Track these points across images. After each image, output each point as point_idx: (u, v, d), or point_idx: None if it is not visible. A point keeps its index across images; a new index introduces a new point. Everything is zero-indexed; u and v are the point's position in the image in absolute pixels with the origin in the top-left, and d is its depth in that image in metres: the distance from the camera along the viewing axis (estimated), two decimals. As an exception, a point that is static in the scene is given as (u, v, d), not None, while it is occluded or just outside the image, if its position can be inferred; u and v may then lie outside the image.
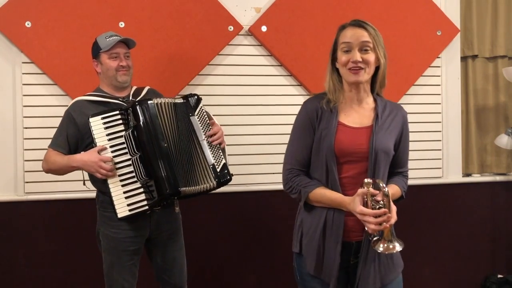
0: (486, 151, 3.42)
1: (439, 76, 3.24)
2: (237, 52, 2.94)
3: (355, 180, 1.65)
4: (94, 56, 2.25)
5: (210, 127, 2.18)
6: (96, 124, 2.05)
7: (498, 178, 3.40)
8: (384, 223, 1.49)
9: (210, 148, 2.13)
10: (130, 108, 2.05)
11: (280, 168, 2.95)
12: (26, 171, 2.69)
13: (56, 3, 2.68)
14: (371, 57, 1.65)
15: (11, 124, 2.68)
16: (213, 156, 2.12)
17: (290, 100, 3.00)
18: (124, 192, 2.05)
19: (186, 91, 2.84)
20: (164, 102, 2.10)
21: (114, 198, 2.05)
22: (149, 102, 2.06)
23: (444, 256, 3.25)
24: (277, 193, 2.97)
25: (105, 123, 2.06)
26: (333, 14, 2.99)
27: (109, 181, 2.05)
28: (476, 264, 3.34)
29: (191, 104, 2.17)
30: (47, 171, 2.20)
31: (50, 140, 2.66)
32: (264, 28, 2.93)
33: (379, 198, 1.53)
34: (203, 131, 2.14)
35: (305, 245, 1.73)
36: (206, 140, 2.13)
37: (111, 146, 2.05)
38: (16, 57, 2.68)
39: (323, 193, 1.66)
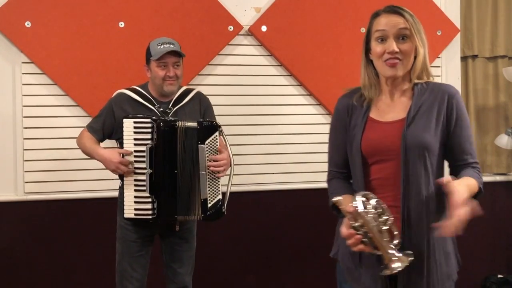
0: (486, 151, 3.42)
1: (439, 76, 3.23)
2: (237, 52, 2.94)
3: (389, 181, 1.47)
4: (146, 61, 2.26)
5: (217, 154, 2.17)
6: (128, 126, 2.11)
7: (498, 178, 3.40)
8: (361, 245, 1.33)
9: (209, 181, 2.15)
10: (156, 125, 2.09)
11: (279, 168, 2.99)
12: (26, 171, 2.69)
13: (56, 3, 2.68)
14: (408, 46, 1.45)
15: (11, 124, 2.68)
16: (209, 190, 2.14)
17: (290, 100, 3.00)
18: (135, 197, 2.11)
19: (186, 91, 2.84)
20: (186, 127, 2.12)
21: (125, 198, 2.13)
22: (173, 125, 2.10)
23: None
24: (276, 193, 2.98)
25: (135, 127, 2.11)
26: (333, 14, 2.99)
27: (125, 181, 2.13)
28: (476, 264, 3.34)
29: (204, 131, 2.15)
30: (78, 145, 2.29)
31: (49, 140, 2.69)
32: (264, 28, 2.93)
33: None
34: (207, 159, 2.14)
35: (339, 250, 1.61)
36: (207, 172, 2.14)
37: (135, 151, 2.11)
38: (16, 57, 2.68)
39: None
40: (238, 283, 2.99)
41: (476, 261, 3.34)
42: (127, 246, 2.23)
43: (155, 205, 2.10)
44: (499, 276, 3.32)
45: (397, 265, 1.30)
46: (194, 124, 2.13)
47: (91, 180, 2.72)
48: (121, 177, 2.22)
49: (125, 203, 2.12)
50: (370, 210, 1.34)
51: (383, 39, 1.47)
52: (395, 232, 1.39)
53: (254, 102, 2.96)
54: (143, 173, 2.10)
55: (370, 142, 1.49)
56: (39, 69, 2.69)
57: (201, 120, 2.18)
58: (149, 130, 2.10)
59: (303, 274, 3.00)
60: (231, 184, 2.22)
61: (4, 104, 2.68)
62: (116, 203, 2.31)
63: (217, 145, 2.17)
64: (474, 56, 3.37)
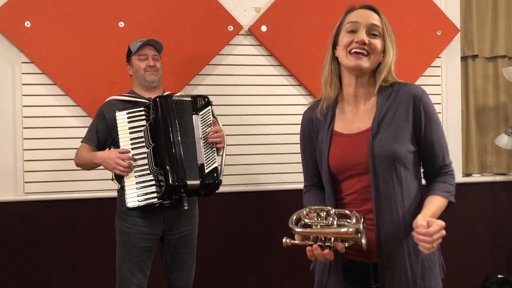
0: (486, 151, 3.42)
1: (439, 76, 3.23)
2: (237, 52, 2.94)
3: (363, 196, 1.40)
4: (127, 60, 2.38)
5: (211, 127, 2.22)
6: (121, 118, 2.16)
7: (498, 178, 3.40)
8: (326, 250, 1.30)
9: (204, 148, 2.17)
10: (152, 102, 2.14)
11: (279, 167, 2.99)
12: (25, 171, 2.69)
13: (56, 3, 2.67)
14: (378, 43, 1.40)
15: (10, 124, 2.68)
16: (205, 157, 2.15)
17: (290, 100, 3.00)
18: (137, 183, 2.11)
19: (186, 91, 2.84)
20: (182, 100, 2.19)
21: (126, 188, 2.11)
22: (170, 98, 2.17)
23: (444, 256, 3.24)
24: (276, 193, 2.98)
25: (129, 117, 2.17)
26: (333, 14, 2.98)
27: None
28: (476, 264, 3.34)
29: (198, 104, 2.23)
30: (76, 165, 2.31)
31: (49, 140, 2.70)
32: (264, 28, 2.93)
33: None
34: (202, 131, 2.18)
35: (318, 262, 1.53)
36: (202, 139, 2.17)
37: (131, 139, 2.14)
38: (15, 57, 2.67)
39: None
40: (237, 283, 2.99)
41: (476, 261, 3.34)
42: (128, 251, 2.21)
43: (161, 182, 2.05)
44: (499, 276, 3.32)
45: (351, 229, 1.27)
46: (188, 98, 2.23)
47: (91, 180, 2.72)
48: (118, 179, 2.21)
49: (127, 192, 2.10)
50: (310, 223, 1.33)
51: (353, 31, 1.40)
52: (347, 212, 1.35)
53: (254, 102, 2.95)
54: (144, 158, 2.11)
55: (337, 159, 1.42)
56: (39, 69, 2.68)
57: (194, 95, 2.27)
58: (143, 117, 2.15)
59: (303, 274, 3.00)
60: (224, 164, 2.24)
61: (4, 104, 2.67)
62: (115, 203, 2.30)
63: (210, 118, 2.23)
64: (474, 56, 3.37)
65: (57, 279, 2.74)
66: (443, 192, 1.41)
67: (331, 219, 1.33)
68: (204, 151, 2.16)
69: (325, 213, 1.35)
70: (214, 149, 2.20)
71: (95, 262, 2.75)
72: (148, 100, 2.23)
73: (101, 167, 2.25)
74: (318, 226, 1.32)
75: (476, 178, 3.37)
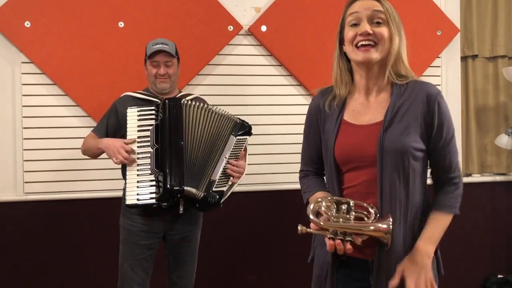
0: (486, 151, 3.42)
1: (439, 76, 3.23)
2: (236, 52, 2.94)
3: (366, 189, 1.37)
4: (144, 61, 2.35)
5: (238, 159, 2.22)
6: (132, 115, 2.16)
7: (498, 178, 3.40)
8: (348, 245, 1.30)
9: (223, 170, 2.16)
10: (161, 103, 2.14)
11: (279, 168, 2.99)
12: (25, 171, 2.69)
13: (56, 3, 2.67)
14: (384, 30, 1.34)
15: (10, 124, 2.68)
16: (219, 177, 2.16)
17: (289, 100, 3.00)
18: (138, 181, 2.10)
19: (186, 90, 2.83)
20: (197, 106, 2.16)
21: (127, 185, 2.11)
22: (179, 101, 2.15)
23: (444, 256, 3.24)
24: (276, 193, 2.98)
25: (139, 115, 2.16)
26: (333, 14, 2.99)
27: (128, 168, 2.12)
28: (476, 264, 3.34)
29: (241, 128, 2.24)
30: (82, 151, 2.32)
31: (49, 140, 2.70)
32: (264, 28, 2.93)
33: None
34: (230, 154, 2.19)
35: (316, 254, 1.53)
36: (226, 161, 2.17)
37: (138, 137, 2.13)
38: (15, 57, 2.67)
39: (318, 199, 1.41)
40: (238, 283, 2.99)
41: (476, 261, 3.34)
42: (130, 249, 2.21)
43: (160, 183, 2.04)
44: (499, 276, 3.32)
45: (385, 226, 1.28)
46: (236, 119, 2.24)
47: (91, 180, 2.72)
48: (124, 175, 2.21)
49: (127, 189, 2.09)
50: (329, 214, 1.32)
51: (356, 24, 1.36)
52: (365, 205, 1.35)
53: (253, 102, 2.95)
54: (148, 157, 2.10)
55: (344, 149, 1.39)
56: (39, 69, 2.68)
57: (242, 119, 2.27)
58: (153, 116, 2.14)
59: (303, 274, 3.00)
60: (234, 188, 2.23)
61: (4, 104, 2.67)
62: (117, 203, 2.30)
63: (242, 147, 2.23)
64: (474, 56, 3.37)
65: (57, 279, 2.74)
66: (447, 207, 1.39)
67: (353, 213, 1.32)
68: (222, 172, 2.16)
69: (346, 207, 1.32)
70: (230, 177, 2.20)
71: (95, 262, 2.75)
72: (161, 99, 2.23)
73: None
74: (340, 220, 1.30)
75: (476, 178, 3.37)
